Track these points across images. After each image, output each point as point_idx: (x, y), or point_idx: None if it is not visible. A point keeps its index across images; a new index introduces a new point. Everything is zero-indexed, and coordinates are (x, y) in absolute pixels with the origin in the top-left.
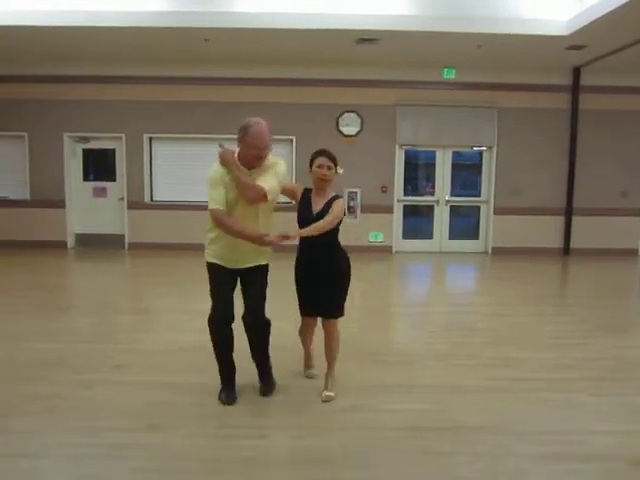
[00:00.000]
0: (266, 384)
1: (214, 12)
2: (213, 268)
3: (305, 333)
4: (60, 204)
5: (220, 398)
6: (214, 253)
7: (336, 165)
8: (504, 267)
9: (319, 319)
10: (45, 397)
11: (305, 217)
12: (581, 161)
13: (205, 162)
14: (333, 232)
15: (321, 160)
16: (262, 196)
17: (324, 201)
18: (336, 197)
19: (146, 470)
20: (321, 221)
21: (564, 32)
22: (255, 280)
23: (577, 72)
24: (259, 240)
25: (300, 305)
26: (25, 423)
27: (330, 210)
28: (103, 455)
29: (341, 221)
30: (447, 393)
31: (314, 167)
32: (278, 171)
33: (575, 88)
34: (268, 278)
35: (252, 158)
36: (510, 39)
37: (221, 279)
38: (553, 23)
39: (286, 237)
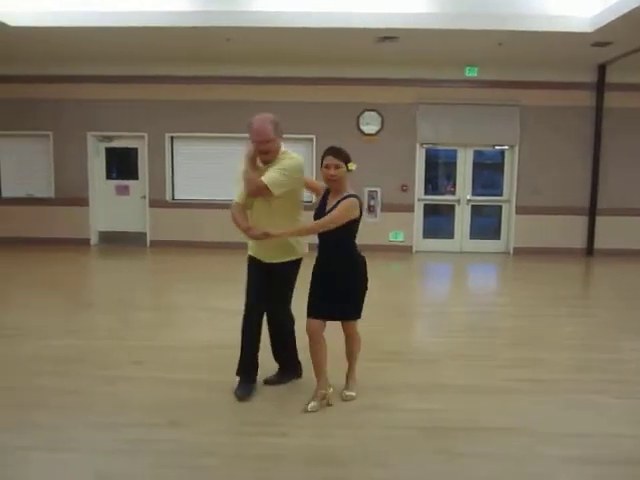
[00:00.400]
0: (276, 375)
1: (235, 11)
2: (249, 260)
3: (313, 341)
4: (84, 202)
5: (236, 393)
6: (249, 246)
7: (347, 162)
8: (526, 267)
9: (327, 324)
10: (68, 392)
11: (316, 216)
12: (605, 160)
13: (226, 161)
14: (343, 232)
15: (327, 160)
16: (261, 188)
17: (336, 200)
18: (347, 196)
19: (167, 466)
20: (313, 222)
21: (588, 29)
22: (278, 276)
23: (602, 69)
24: (247, 232)
25: (308, 304)
26: (48, 417)
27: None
28: (124, 450)
29: (356, 221)
30: (468, 393)
31: (322, 167)
32: (283, 164)
33: (600, 86)
34: (297, 275)
35: (258, 153)
36: (533, 36)
37: (252, 270)
38: (577, 20)
39: (266, 234)
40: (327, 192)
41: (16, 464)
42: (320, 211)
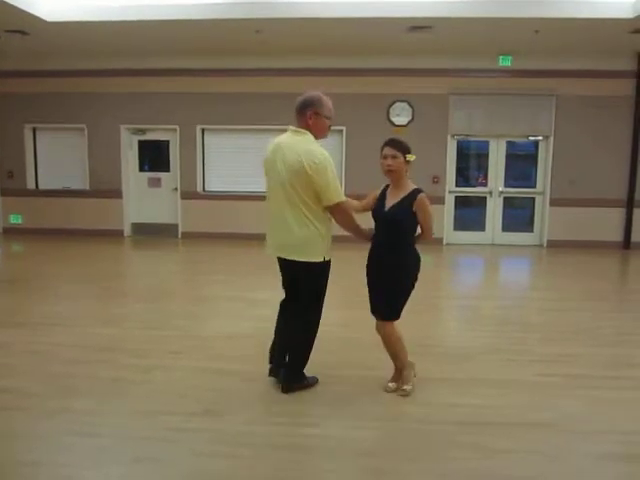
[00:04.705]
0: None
1: (264, 2)
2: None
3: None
4: (117, 194)
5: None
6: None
7: (405, 153)
8: (560, 261)
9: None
10: (106, 380)
11: (376, 211)
12: None
13: (256, 153)
14: (401, 230)
15: (385, 150)
16: None
17: (401, 195)
18: (416, 192)
19: (201, 454)
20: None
21: (629, 15)
22: None
23: None
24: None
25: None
26: (88, 404)
27: (420, 215)
28: (161, 438)
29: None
30: (503, 388)
31: (381, 159)
32: None
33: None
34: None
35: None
36: (570, 23)
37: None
38: (617, 5)
39: None
40: (386, 187)
41: (57, 449)
42: (379, 207)
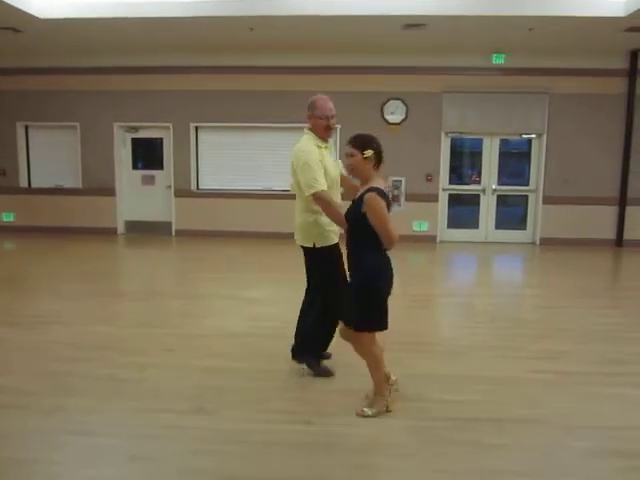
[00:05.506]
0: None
1: (258, 0)
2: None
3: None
4: (111, 192)
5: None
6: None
7: (364, 149)
8: (553, 258)
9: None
10: (100, 378)
11: (346, 212)
12: (637, 149)
13: (250, 151)
14: (356, 232)
15: (345, 150)
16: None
17: (359, 194)
18: (367, 191)
19: (196, 452)
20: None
21: (621, 13)
22: None
23: (634, 56)
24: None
25: None
26: (82, 403)
27: (369, 216)
28: (155, 436)
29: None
30: (495, 385)
31: None
32: None
33: (632, 72)
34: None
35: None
36: (563, 21)
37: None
38: (610, 4)
39: None
40: None
41: (52, 448)
42: (349, 208)
